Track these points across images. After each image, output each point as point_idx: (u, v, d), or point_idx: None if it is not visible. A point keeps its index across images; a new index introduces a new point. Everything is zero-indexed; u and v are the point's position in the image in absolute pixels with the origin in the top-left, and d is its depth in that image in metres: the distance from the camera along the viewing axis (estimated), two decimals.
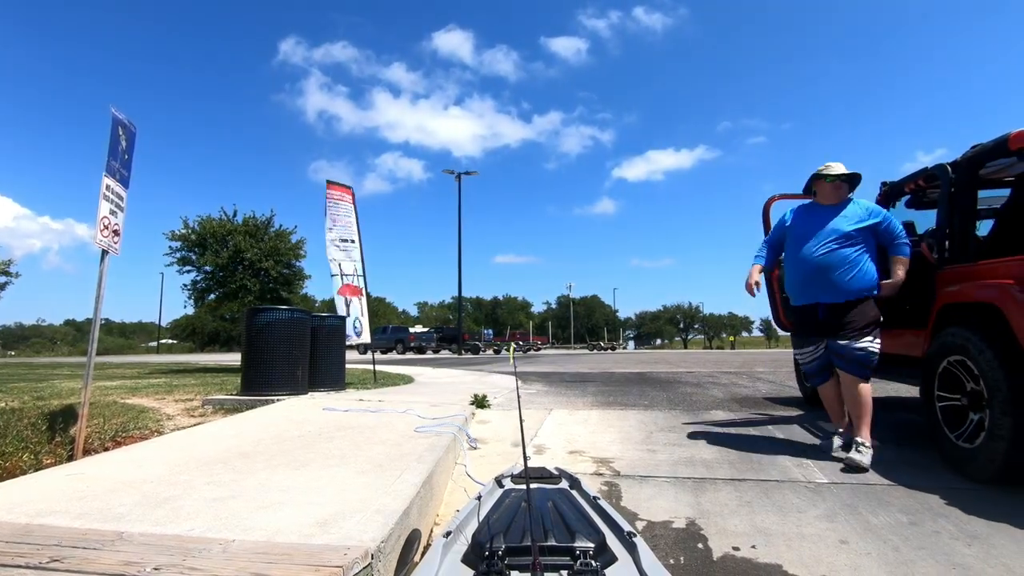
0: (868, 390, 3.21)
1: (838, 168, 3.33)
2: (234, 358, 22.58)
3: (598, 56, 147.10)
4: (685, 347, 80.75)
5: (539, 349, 44.53)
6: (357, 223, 8.16)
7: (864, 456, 3.06)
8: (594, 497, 1.73)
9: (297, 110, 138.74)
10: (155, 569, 1.42)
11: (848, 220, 3.24)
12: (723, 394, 6.34)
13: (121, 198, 4.34)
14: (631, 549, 1.30)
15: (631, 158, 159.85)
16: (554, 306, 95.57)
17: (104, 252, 4.07)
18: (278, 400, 5.33)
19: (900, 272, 3.26)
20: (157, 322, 62.33)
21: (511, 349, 4.38)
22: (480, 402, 5.20)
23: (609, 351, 41.87)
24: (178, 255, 11.64)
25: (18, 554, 1.54)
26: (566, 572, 1.15)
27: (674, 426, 4.38)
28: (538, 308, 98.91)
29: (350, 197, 8.17)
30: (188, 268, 11.70)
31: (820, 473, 3.07)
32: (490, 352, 34.85)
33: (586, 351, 42.55)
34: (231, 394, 5.79)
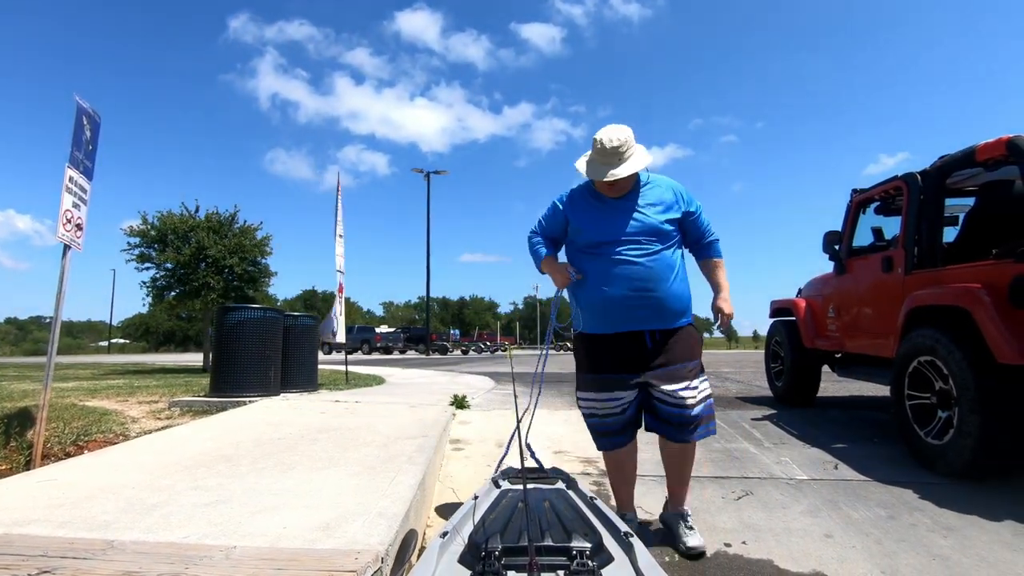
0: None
1: (614, 136, 2.11)
2: (193, 358, 21.80)
3: (573, 46, 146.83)
4: None
5: (506, 350, 44.58)
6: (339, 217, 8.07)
7: (697, 535, 2.22)
8: (590, 497, 1.72)
9: (249, 93, 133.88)
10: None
11: (650, 209, 2.22)
12: None
13: (84, 191, 4.14)
14: (628, 549, 1.31)
15: None
16: (520, 307, 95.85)
17: (66, 247, 3.88)
18: (250, 402, 5.18)
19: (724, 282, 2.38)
20: (108, 321, 59.71)
21: (509, 350, 4.49)
22: (460, 403, 5.17)
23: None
24: (136, 251, 11.17)
25: (2, 566, 1.45)
26: (563, 572, 1.15)
27: None
28: (505, 309, 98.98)
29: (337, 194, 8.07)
30: (147, 265, 11.25)
31: (799, 470, 3.17)
32: (458, 352, 34.68)
33: (553, 352, 42.83)
34: (199, 395, 5.59)
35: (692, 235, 2.33)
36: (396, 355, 30.59)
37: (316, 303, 64.82)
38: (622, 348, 2.19)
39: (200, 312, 12.12)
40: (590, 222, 2.24)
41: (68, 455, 3.77)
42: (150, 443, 3.30)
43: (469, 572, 1.19)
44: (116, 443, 3.83)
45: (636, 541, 1.35)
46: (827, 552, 2.17)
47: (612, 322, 2.19)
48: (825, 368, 5.13)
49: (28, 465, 3.47)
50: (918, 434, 3.13)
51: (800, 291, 5.45)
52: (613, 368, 2.20)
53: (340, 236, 8.10)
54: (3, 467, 3.59)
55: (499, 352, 37.75)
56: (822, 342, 4.76)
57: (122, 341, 60.95)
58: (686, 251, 2.36)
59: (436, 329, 53.17)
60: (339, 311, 8.06)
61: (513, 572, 1.16)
